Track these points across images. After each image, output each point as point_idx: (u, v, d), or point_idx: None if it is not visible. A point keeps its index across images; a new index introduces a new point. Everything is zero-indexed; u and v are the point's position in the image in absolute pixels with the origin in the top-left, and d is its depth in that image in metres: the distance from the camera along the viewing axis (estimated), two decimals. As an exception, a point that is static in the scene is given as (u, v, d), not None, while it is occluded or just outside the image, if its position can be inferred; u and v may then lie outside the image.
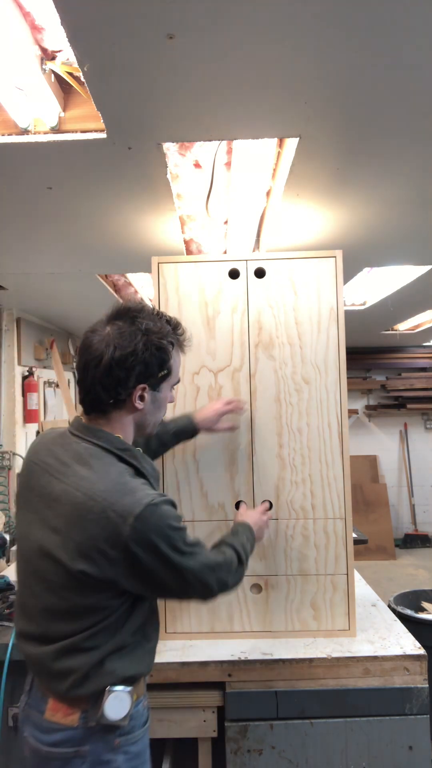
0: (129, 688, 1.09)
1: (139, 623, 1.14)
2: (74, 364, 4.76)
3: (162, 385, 1.20)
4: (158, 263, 1.78)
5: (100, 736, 1.07)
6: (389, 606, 2.59)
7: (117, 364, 1.11)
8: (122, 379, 1.12)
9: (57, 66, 1.33)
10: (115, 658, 1.09)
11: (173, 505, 1.13)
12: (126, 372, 1.12)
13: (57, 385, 4.40)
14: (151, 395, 1.18)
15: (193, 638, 1.74)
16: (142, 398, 1.16)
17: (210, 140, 1.49)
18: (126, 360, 1.11)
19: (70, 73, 1.35)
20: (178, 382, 1.30)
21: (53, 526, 1.08)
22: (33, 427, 3.92)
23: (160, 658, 1.52)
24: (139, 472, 1.15)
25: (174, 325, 1.23)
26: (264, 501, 1.73)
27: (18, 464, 3.57)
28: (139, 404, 1.16)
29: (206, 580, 1.14)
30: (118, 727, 1.08)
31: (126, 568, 1.04)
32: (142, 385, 1.15)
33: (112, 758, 1.06)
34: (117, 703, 1.06)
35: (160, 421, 1.29)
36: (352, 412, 6.70)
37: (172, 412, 1.72)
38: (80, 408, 1.22)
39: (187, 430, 1.61)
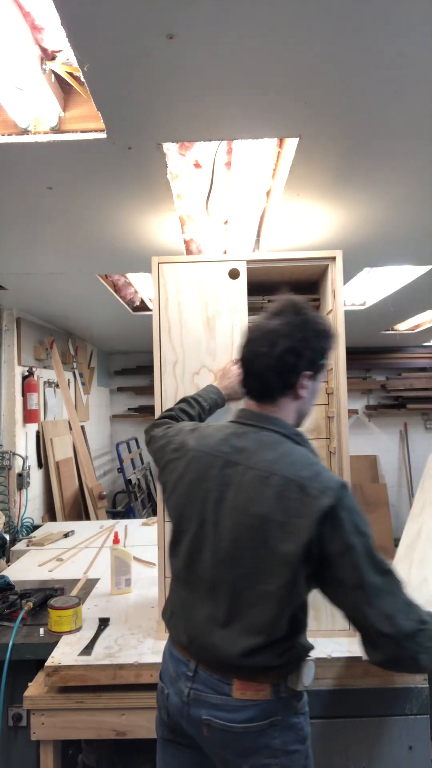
0: (313, 657, 1.22)
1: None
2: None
3: (319, 375, 1.27)
4: (158, 263, 1.79)
5: (288, 704, 1.17)
6: (389, 606, 2.59)
7: (290, 350, 1.18)
8: (293, 365, 1.19)
9: (57, 66, 1.33)
10: (302, 638, 1.19)
11: None
12: (297, 358, 1.19)
13: (57, 385, 4.40)
14: (312, 384, 1.25)
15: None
16: (304, 386, 1.22)
17: (210, 140, 1.49)
18: (297, 347, 1.18)
19: (70, 73, 1.35)
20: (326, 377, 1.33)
21: (251, 512, 1.12)
22: (33, 427, 3.92)
23: (159, 657, 1.51)
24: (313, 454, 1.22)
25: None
26: None
27: (18, 464, 3.58)
28: (302, 392, 1.22)
29: (388, 610, 1.04)
30: (302, 693, 1.19)
31: (317, 539, 1.06)
32: (308, 372, 1.22)
33: (297, 721, 1.18)
34: (310, 672, 1.18)
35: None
36: (352, 412, 6.71)
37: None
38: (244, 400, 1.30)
39: (218, 403, 1.68)
